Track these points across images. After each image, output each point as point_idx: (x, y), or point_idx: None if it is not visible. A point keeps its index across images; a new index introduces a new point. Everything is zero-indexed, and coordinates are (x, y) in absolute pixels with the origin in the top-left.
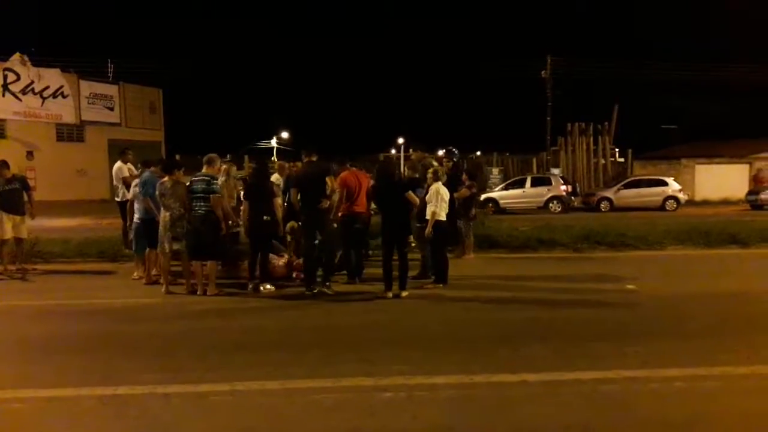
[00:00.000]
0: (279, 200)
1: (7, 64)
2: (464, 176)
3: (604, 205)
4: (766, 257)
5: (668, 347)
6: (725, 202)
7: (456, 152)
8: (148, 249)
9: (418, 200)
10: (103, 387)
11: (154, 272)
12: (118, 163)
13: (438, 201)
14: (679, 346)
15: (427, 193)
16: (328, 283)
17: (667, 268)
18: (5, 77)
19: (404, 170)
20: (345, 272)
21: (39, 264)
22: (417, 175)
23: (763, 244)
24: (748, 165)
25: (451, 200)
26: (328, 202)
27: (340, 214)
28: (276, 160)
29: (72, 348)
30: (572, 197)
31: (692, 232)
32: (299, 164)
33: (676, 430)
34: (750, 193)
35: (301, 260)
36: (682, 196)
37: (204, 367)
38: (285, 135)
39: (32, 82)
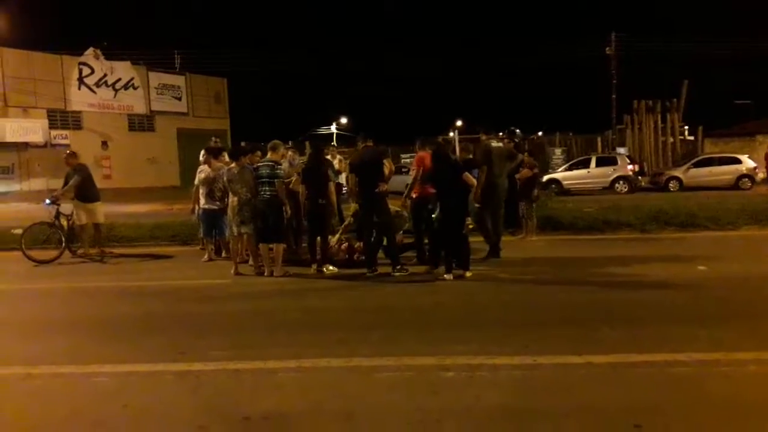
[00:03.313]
0: (332, 185)
1: (82, 59)
2: (526, 156)
3: (673, 185)
4: None
5: (741, 330)
6: None
7: (518, 132)
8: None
9: (475, 181)
10: (177, 363)
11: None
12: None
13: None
14: (752, 328)
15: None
16: (398, 267)
17: (740, 249)
18: (80, 71)
19: (458, 152)
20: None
21: (115, 247)
22: (471, 156)
23: None
24: None
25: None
26: (386, 186)
27: (414, 195)
28: (335, 145)
29: (148, 326)
30: (639, 177)
31: None
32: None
33: (749, 413)
34: None
35: (361, 243)
36: (757, 174)
37: (272, 344)
38: (344, 120)
39: (105, 75)
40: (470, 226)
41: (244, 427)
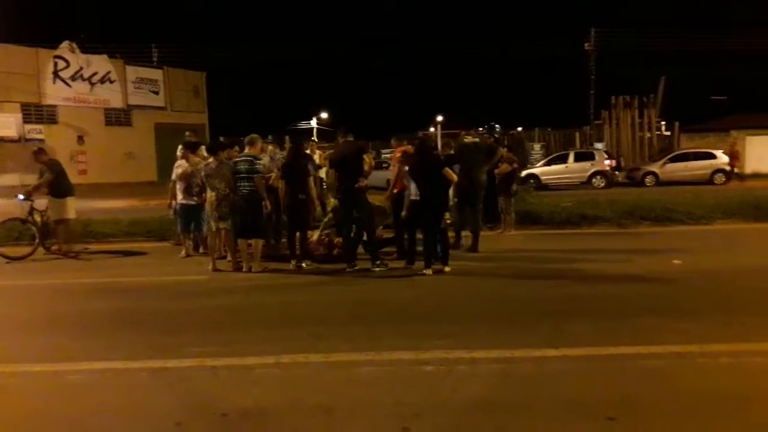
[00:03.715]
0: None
1: (57, 52)
2: (505, 151)
3: (649, 180)
4: None
5: (714, 322)
6: None
7: (497, 128)
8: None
9: (455, 177)
10: (153, 360)
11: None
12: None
13: (411, 183)
14: (725, 321)
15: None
16: (378, 262)
17: (715, 243)
18: (55, 65)
19: (440, 147)
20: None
21: (91, 244)
22: (452, 152)
23: None
24: None
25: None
26: (365, 181)
27: (395, 191)
28: (316, 140)
29: (123, 323)
30: (616, 172)
31: (742, 206)
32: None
33: (722, 405)
34: None
35: (341, 238)
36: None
37: (250, 340)
38: (324, 115)
39: (81, 69)
40: (449, 221)
41: (221, 424)
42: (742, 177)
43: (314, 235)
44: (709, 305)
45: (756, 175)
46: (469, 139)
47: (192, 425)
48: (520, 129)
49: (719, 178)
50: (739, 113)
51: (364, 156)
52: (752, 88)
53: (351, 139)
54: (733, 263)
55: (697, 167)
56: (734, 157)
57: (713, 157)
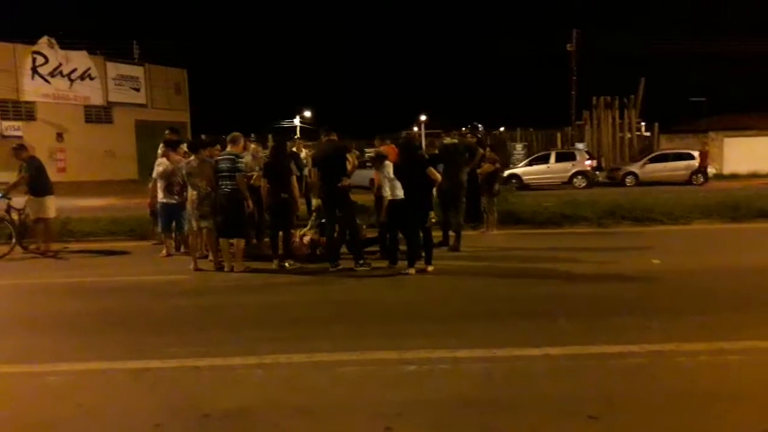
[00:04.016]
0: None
1: (36, 48)
2: (488, 151)
3: (629, 180)
4: None
5: (693, 321)
6: (754, 176)
7: (480, 128)
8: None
9: (439, 176)
10: (134, 361)
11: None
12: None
13: (384, 183)
14: (704, 320)
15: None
16: (361, 262)
17: (693, 243)
18: (34, 60)
19: (425, 146)
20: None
21: (70, 243)
22: (437, 152)
23: None
24: None
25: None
26: (348, 180)
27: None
28: (299, 138)
29: (104, 323)
30: (597, 172)
31: (720, 207)
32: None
33: (701, 403)
34: None
35: (324, 238)
36: (709, 170)
37: (232, 340)
38: (308, 114)
39: (60, 65)
40: (433, 220)
41: (202, 425)
42: (707, 177)
43: (301, 234)
44: (687, 304)
45: (734, 176)
46: (448, 140)
47: (172, 426)
48: (502, 129)
49: (697, 178)
50: (717, 115)
51: (347, 155)
52: (730, 90)
53: (334, 137)
54: (711, 263)
55: (677, 168)
56: (704, 157)
57: (692, 157)
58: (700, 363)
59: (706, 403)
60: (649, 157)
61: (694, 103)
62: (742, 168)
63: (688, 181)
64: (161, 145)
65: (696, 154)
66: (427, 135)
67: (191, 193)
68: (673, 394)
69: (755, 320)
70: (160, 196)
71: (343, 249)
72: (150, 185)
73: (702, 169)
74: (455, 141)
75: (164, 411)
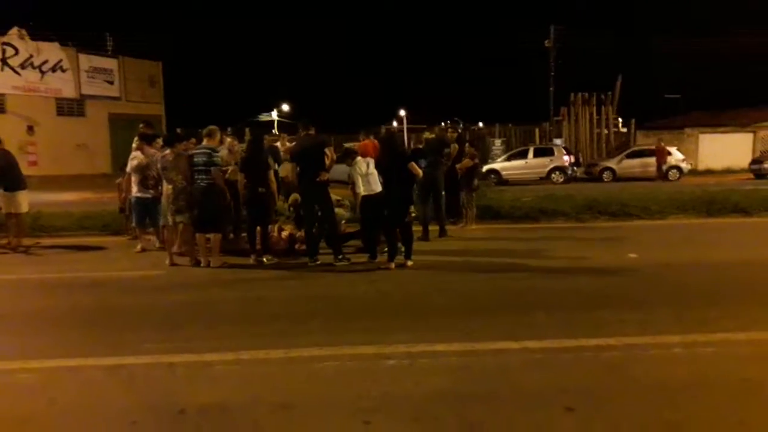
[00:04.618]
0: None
1: (5, 39)
2: (467, 147)
3: (606, 176)
4: None
5: (668, 314)
6: (728, 171)
7: (460, 123)
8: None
9: (420, 171)
10: (108, 357)
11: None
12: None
13: (356, 179)
14: (679, 313)
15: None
16: (340, 257)
17: (669, 238)
18: (3, 51)
19: (409, 142)
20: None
21: (42, 238)
22: (421, 146)
23: (765, 213)
24: (752, 134)
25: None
26: (327, 175)
27: None
28: (277, 132)
29: (77, 319)
30: (575, 168)
31: (695, 202)
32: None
33: (676, 395)
34: (753, 162)
35: (302, 233)
36: (684, 166)
37: (209, 336)
38: (286, 107)
39: (31, 56)
40: (413, 215)
41: (178, 422)
42: (665, 174)
43: (279, 229)
44: (663, 298)
45: (708, 172)
46: (428, 134)
47: (147, 423)
48: (481, 124)
49: (673, 174)
50: (691, 111)
51: (326, 150)
52: (704, 87)
53: (312, 131)
54: (686, 257)
55: (653, 163)
56: (661, 154)
57: (668, 153)
58: (674, 355)
59: (681, 396)
60: (626, 153)
61: (670, 99)
62: (717, 164)
63: (664, 177)
64: (135, 138)
65: (672, 150)
66: (409, 130)
67: (166, 188)
68: (648, 387)
69: (729, 313)
70: (135, 190)
71: (323, 244)
72: (119, 180)
73: (659, 166)
74: (432, 135)
75: (140, 408)
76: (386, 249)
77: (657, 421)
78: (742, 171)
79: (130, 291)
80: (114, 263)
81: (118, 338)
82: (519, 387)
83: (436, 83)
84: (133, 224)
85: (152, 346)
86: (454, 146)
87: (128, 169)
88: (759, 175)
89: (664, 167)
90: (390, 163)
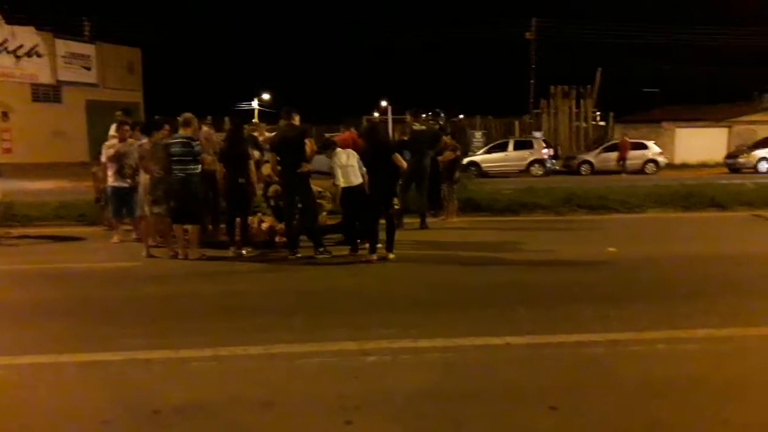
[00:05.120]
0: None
1: None
2: (449, 138)
3: (584, 169)
4: (745, 220)
5: (650, 310)
6: (704, 165)
7: (442, 114)
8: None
9: (405, 163)
10: (82, 353)
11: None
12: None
13: (335, 170)
14: (660, 308)
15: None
16: (321, 249)
17: (648, 231)
18: None
19: (394, 133)
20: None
21: (15, 228)
22: (406, 138)
23: (741, 207)
24: (727, 129)
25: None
26: (308, 166)
27: None
28: (258, 121)
29: (51, 313)
30: (554, 160)
31: (673, 196)
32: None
33: (659, 394)
34: (728, 156)
35: (283, 225)
36: (661, 159)
37: (186, 331)
38: (266, 97)
39: (6, 41)
40: (396, 207)
41: (153, 422)
42: (626, 169)
43: (259, 221)
44: (644, 292)
45: (685, 165)
46: (417, 126)
47: (120, 423)
48: (462, 116)
49: (650, 167)
50: (668, 105)
51: (306, 140)
52: (681, 82)
53: (296, 120)
54: (665, 251)
55: (630, 157)
56: (624, 148)
57: (645, 147)
58: (656, 352)
59: (665, 393)
60: (604, 146)
61: (647, 93)
62: (693, 158)
63: (641, 170)
64: (113, 126)
65: (649, 144)
66: (393, 121)
67: (143, 178)
68: (631, 384)
69: (710, 308)
70: (112, 179)
71: (303, 236)
72: (95, 169)
73: (621, 160)
74: (423, 127)
75: (113, 406)
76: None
77: (640, 420)
78: (717, 165)
79: (105, 283)
80: (89, 254)
81: (92, 333)
82: (502, 384)
83: (417, 74)
84: (110, 215)
85: (127, 341)
86: (445, 138)
87: (103, 158)
88: (733, 169)
89: (627, 161)
90: (374, 155)
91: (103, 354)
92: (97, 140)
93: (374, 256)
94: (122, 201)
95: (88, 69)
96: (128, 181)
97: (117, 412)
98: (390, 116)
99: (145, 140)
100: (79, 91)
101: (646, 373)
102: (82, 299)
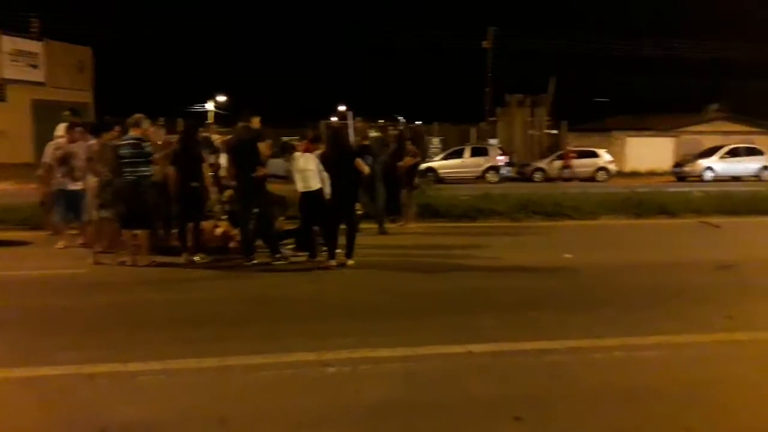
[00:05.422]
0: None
1: None
2: (409, 144)
3: (538, 176)
4: (694, 227)
5: (608, 316)
6: (653, 174)
7: (401, 120)
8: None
9: (367, 168)
10: (22, 368)
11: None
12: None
13: (293, 175)
14: (617, 315)
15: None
16: (278, 255)
17: (602, 238)
18: None
19: (354, 138)
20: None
21: None
22: (367, 143)
23: (689, 214)
24: (675, 138)
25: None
26: (264, 170)
27: None
28: (212, 124)
29: None
30: (509, 167)
31: (625, 203)
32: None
33: (622, 402)
34: (676, 165)
35: (238, 230)
36: (612, 167)
37: (134, 343)
38: (222, 98)
39: None
40: (359, 212)
41: None
42: (565, 176)
43: (213, 226)
44: (601, 299)
45: (634, 174)
46: (374, 132)
47: None
48: (419, 122)
49: (601, 175)
50: (619, 115)
51: (263, 143)
52: (632, 92)
53: (255, 123)
54: (620, 258)
55: (582, 165)
56: (567, 158)
57: (596, 155)
58: (615, 359)
59: (627, 402)
60: (557, 154)
61: (599, 103)
62: (642, 166)
63: (592, 178)
64: (60, 126)
65: (600, 152)
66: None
67: (91, 180)
68: (594, 393)
69: (666, 315)
70: (60, 182)
71: (259, 242)
72: (40, 172)
73: (565, 168)
74: (379, 134)
75: (55, 426)
76: (325, 248)
77: (605, 430)
78: (665, 173)
79: (48, 291)
80: (32, 260)
81: (32, 345)
82: (465, 395)
83: (375, 79)
84: (55, 218)
85: (71, 354)
86: (408, 144)
87: (46, 158)
88: (680, 177)
89: (574, 170)
90: (336, 159)
91: (45, 368)
92: (43, 141)
93: (333, 262)
94: (71, 204)
95: (35, 67)
96: (79, 183)
97: (60, 430)
98: (351, 121)
99: (93, 141)
100: (25, 89)
101: (606, 382)
102: (22, 309)
